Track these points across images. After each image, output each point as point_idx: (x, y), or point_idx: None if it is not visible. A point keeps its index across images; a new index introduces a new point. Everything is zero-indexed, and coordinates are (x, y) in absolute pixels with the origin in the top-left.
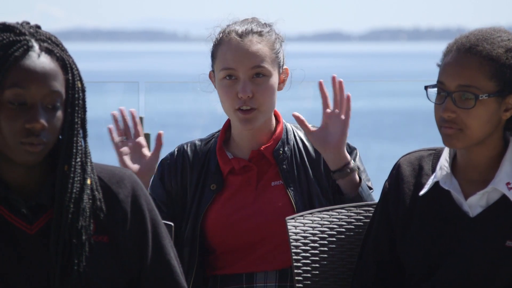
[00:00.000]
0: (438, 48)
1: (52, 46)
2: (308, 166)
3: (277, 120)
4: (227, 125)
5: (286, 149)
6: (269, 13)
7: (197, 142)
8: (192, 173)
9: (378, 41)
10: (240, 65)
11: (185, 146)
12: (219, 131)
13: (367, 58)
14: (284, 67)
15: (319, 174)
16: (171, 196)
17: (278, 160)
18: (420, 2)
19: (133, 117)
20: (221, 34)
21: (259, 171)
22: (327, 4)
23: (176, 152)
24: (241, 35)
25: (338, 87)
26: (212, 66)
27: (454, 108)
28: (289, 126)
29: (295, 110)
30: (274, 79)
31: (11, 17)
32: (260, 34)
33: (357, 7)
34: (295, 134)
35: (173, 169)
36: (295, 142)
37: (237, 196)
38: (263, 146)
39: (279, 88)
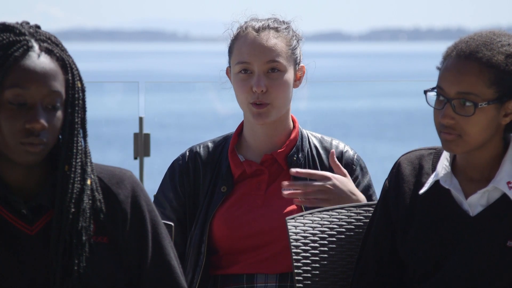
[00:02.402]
0: (438, 48)
1: (52, 46)
2: None
3: (294, 126)
4: (240, 128)
5: (300, 155)
6: (269, 14)
7: (210, 144)
8: (205, 175)
9: (378, 41)
10: (255, 59)
11: (198, 148)
12: (231, 133)
13: (367, 58)
14: (301, 64)
15: None
16: (180, 198)
17: (291, 166)
18: (420, 2)
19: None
20: (238, 30)
21: (270, 176)
22: (327, 4)
23: (187, 153)
24: (258, 30)
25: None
26: (229, 61)
27: (453, 114)
28: (304, 132)
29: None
30: (289, 75)
31: (11, 17)
32: (276, 30)
33: (357, 7)
34: (310, 141)
35: (185, 170)
36: (309, 150)
37: (246, 199)
38: (277, 151)
39: (295, 85)
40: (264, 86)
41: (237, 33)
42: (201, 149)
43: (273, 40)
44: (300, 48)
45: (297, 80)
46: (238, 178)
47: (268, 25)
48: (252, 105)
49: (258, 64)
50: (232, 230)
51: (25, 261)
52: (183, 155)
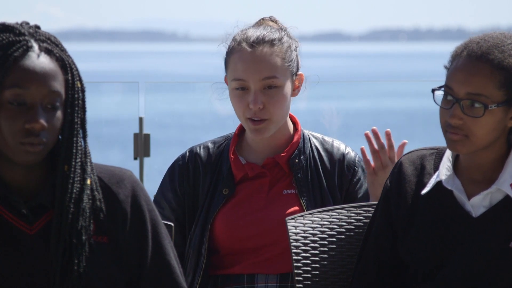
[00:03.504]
0: (438, 48)
1: (51, 46)
2: (323, 176)
3: (296, 128)
4: (240, 129)
5: (302, 158)
6: (269, 13)
7: (210, 145)
8: (205, 176)
9: (378, 41)
10: (251, 77)
11: (198, 149)
12: (231, 134)
13: (367, 58)
14: (299, 72)
15: (332, 185)
16: (180, 199)
17: (293, 168)
18: (420, 2)
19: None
20: (233, 42)
21: (272, 178)
22: (327, 4)
23: (188, 154)
24: (252, 45)
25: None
26: (226, 72)
27: (461, 115)
28: (306, 134)
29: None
30: (287, 89)
31: (11, 17)
32: (271, 44)
33: (357, 7)
34: (311, 143)
35: (185, 171)
36: (311, 151)
37: (248, 202)
38: (279, 154)
39: (294, 94)
40: (261, 103)
41: (232, 46)
42: (201, 150)
43: (268, 56)
44: (297, 56)
45: (295, 89)
46: (240, 180)
47: (263, 38)
48: (250, 121)
49: (254, 82)
50: (233, 231)
51: (25, 261)
52: (183, 156)
